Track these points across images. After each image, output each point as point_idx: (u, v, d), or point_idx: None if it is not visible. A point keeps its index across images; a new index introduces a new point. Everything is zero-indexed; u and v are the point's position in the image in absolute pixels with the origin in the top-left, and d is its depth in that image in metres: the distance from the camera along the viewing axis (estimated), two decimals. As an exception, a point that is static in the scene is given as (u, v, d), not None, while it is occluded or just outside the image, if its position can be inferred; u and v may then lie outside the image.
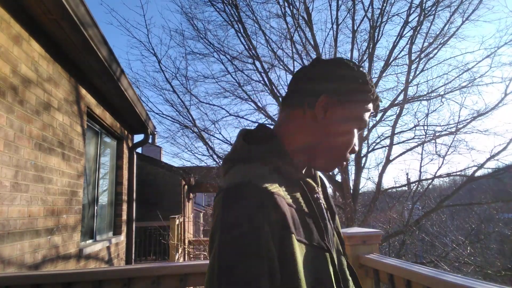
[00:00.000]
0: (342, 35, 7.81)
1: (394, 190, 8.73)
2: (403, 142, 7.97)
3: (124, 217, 5.03)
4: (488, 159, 6.79)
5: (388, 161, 7.56)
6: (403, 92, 7.26)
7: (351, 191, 7.46)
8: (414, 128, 7.68)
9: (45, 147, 2.65)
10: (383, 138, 8.00)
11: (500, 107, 6.67)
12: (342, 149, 0.72)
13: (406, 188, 8.69)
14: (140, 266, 1.61)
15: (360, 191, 7.99)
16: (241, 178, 0.58)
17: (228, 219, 0.53)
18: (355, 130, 0.72)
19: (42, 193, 2.59)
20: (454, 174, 7.70)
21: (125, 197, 5.06)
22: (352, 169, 7.76)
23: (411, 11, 7.17)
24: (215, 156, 7.93)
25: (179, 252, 8.30)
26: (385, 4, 7.15)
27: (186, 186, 11.85)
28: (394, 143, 7.66)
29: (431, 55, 7.33)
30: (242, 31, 7.53)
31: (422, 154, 7.63)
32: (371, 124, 7.63)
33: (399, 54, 7.53)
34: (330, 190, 9.37)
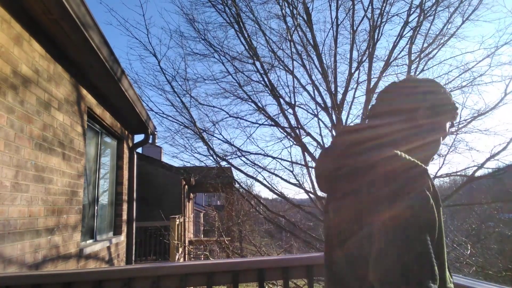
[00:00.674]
0: (341, 36, 7.77)
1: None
2: (403, 142, 7.95)
3: (124, 217, 5.03)
4: (488, 159, 6.77)
5: (388, 161, 7.55)
6: (403, 92, 7.24)
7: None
8: (414, 128, 7.67)
9: (45, 147, 2.65)
10: (383, 138, 7.99)
11: (500, 106, 6.65)
12: (430, 155, 0.91)
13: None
14: (140, 266, 1.61)
15: (360, 191, 7.98)
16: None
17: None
18: (440, 138, 0.91)
19: (42, 193, 2.60)
20: (454, 174, 7.68)
21: (125, 197, 5.06)
22: (352, 169, 7.75)
23: (411, 11, 7.17)
24: (215, 156, 7.93)
25: (180, 252, 8.30)
26: (384, 4, 7.15)
27: (186, 186, 11.86)
28: (394, 143, 7.64)
29: (431, 55, 7.32)
30: (242, 31, 7.53)
31: (422, 154, 7.61)
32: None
33: (399, 54, 7.52)
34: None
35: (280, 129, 8.14)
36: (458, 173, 7.62)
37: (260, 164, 8.09)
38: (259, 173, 8.11)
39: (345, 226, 0.76)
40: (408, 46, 7.32)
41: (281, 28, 8.03)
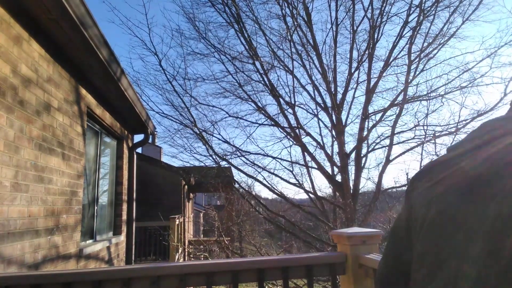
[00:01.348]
0: (341, 35, 7.78)
1: (394, 190, 8.72)
2: (403, 142, 7.95)
3: (124, 217, 5.03)
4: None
5: (388, 161, 7.56)
6: (403, 92, 7.25)
7: (351, 191, 7.46)
8: (414, 128, 7.67)
9: (45, 147, 2.65)
10: (383, 138, 7.99)
11: (500, 107, 6.66)
12: None
13: (406, 188, 8.65)
14: (140, 266, 1.62)
15: (360, 191, 7.98)
16: None
17: None
18: None
19: (42, 193, 2.60)
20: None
21: (125, 197, 5.06)
22: (352, 169, 7.76)
23: (411, 11, 7.17)
24: (214, 156, 7.93)
25: (179, 252, 8.30)
26: (384, 4, 7.16)
27: (186, 186, 11.86)
28: (394, 143, 7.64)
29: (431, 55, 7.33)
30: (242, 31, 7.54)
31: (422, 154, 7.61)
32: (370, 124, 7.63)
33: (398, 54, 7.53)
34: (330, 190, 9.39)
35: (280, 129, 8.15)
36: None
37: (260, 164, 8.11)
38: (259, 173, 8.12)
39: None
40: (408, 46, 7.32)
41: (281, 28, 8.04)
